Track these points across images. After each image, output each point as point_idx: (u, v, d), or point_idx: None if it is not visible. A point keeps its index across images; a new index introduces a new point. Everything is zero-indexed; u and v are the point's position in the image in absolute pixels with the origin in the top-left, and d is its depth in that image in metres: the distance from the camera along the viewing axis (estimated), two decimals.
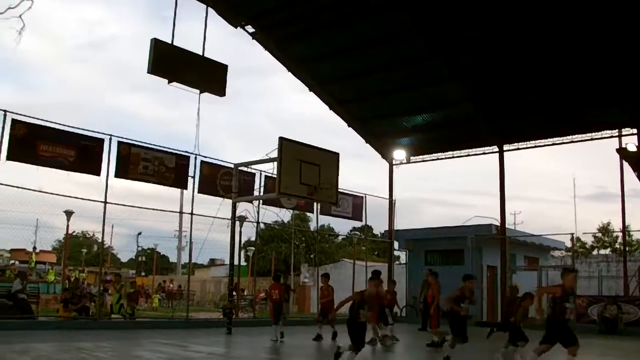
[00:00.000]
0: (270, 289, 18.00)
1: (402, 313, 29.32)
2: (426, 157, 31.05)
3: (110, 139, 18.98)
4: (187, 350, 13.62)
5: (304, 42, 25.74)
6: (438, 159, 30.76)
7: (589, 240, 54.08)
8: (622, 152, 25.91)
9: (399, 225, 31.31)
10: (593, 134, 26.44)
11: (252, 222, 24.58)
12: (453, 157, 30.21)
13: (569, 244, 31.28)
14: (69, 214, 22.73)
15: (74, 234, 55.80)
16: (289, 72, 26.88)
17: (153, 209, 21.30)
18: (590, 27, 21.50)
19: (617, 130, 26.09)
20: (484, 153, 29.09)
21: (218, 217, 21.80)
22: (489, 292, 28.59)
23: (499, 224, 27.90)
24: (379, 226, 37.60)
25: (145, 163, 19.87)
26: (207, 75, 18.93)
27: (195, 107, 20.49)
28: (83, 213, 20.84)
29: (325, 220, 41.74)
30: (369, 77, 26.68)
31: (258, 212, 24.01)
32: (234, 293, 21.37)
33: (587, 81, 24.13)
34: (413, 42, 24.10)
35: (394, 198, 30.88)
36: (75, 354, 11.79)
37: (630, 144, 25.59)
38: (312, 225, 43.15)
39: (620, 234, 31.80)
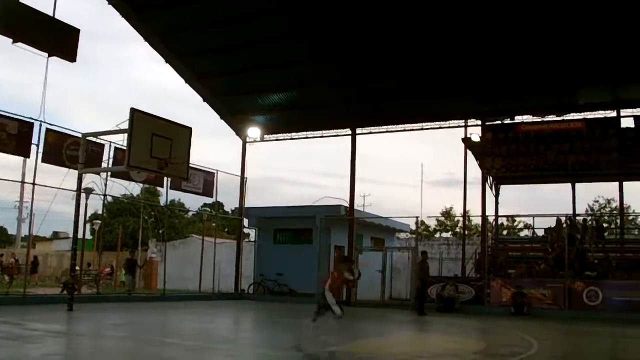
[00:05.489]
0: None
1: (250, 290, 29.58)
2: (280, 136, 31.25)
3: None
4: (23, 328, 12.96)
5: (164, 13, 24.94)
6: (292, 138, 31.04)
7: (432, 223, 56.59)
8: (467, 141, 27.42)
9: (251, 202, 31.47)
10: (442, 122, 27.71)
11: (99, 194, 23.79)
12: (307, 138, 30.65)
13: (414, 227, 32.58)
14: None
15: None
16: (146, 42, 26.07)
17: None
18: (440, 20, 22.51)
19: (464, 120, 27.47)
20: (337, 135, 29.67)
21: (63, 189, 20.88)
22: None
23: (348, 205, 28.55)
24: (231, 203, 37.48)
25: None
26: (56, 38, 17.92)
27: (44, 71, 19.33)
28: None
29: (175, 195, 41.04)
30: (228, 53, 26.45)
31: (106, 185, 23.29)
32: (77, 268, 20.60)
33: (438, 72, 25.25)
34: (275, 21, 24.11)
35: (245, 175, 30.84)
36: None
37: (475, 135, 27.15)
38: (162, 200, 42.36)
39: (461, 219, 33.52)
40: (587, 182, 28.89)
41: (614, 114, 26.02)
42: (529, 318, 21.11)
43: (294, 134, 30.91)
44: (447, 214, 57.20)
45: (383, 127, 28.85)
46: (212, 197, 29.42)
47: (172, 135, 16.94)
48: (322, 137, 30.27)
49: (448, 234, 53.04)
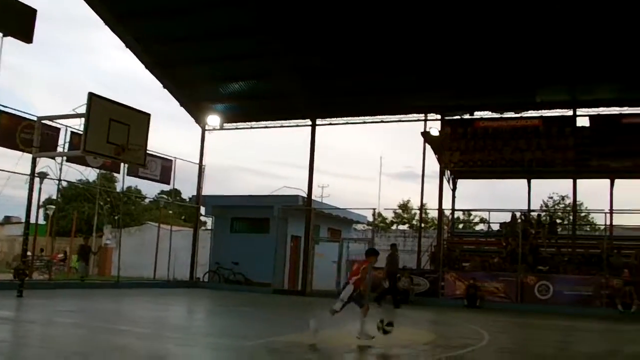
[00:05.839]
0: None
1: (205, 278, 29.43)
2: (240, 125, 31.05)
3: None
4: None
5: None
6: (252, 127, 30.87)
7: (390, 215, 56.92)
8: (426, 135, 27.63)
9: (210, 191, 31.22)
10: (402, 116, 27.84)
11: (53, 179, 23.40)
12: (267, 127, 30.58)
13: (371, 219, 32.73)
14: None
15: None
16: (106, 27, 25.59)
17: None
18: (403, 16, 22.64)
19: (423, 114, 27.67)
20: (297, 125, 29.71)
21: (15, 172, 20.42)
22: (292, 261, 29.22)
23: (306, 196, 28.57)
24: (188, 191, 37.16)
25: None
26: (11, 18, 17.53)
27: None
28: None
29: (132, 181, 40.49)
30: (190, 41, 26.13)
31: (61, 169, 22.90)
32: (29, 253, 20.25)
33: (400, 67, 25.35)
34: (237, 12, 23.90)
35: (204, 164, 30.59)
36: None
37: (434, 129, 27.39)
38: (119, 186, 41.87)
39: (418, 212, 33.81)
40: (543, 178, 29.32)
41: (570, 112, 26.49)
42: (482, 310, 21.43)
43: (253, 124, 30.75)
44: (405, 206, 57.64)
45: (343, 118, 28.95)
46: (169, 184, 29.20)
47: (130, 121, 16.69)
48: (282, 127, 30.29)
49: (405, 227, 53.41)
